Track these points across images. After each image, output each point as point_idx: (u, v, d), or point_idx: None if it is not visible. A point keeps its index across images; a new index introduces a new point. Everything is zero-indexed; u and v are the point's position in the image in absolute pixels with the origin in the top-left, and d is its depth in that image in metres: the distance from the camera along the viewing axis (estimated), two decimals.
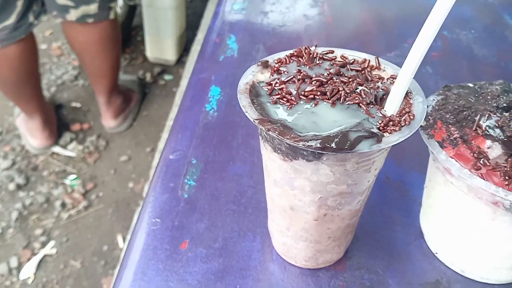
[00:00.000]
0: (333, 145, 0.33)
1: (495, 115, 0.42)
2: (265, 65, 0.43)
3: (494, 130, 0.41)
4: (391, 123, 0.37)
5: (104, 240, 1.63)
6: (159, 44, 2.32)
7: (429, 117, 0.45)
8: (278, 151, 0.38)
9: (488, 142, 0.41)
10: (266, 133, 0.37)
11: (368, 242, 0.51)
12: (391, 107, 0.39)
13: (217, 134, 0.63)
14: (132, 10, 2.52)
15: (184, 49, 2.46)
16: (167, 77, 2.37)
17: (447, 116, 0.44)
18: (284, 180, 0.40)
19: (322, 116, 0.37)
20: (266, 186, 0.44)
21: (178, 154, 0.59)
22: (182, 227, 0.50)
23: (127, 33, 2.56)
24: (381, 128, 0.36)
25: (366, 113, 0.37)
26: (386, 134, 0.36)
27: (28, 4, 1.49)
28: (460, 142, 0.42)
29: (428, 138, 0.43)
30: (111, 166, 1.91)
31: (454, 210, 0.45)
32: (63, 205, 1.73)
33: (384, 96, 0.40)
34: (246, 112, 0.37)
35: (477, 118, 0.42)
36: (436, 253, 0.50)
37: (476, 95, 0.46)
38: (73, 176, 1.84)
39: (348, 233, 0.46)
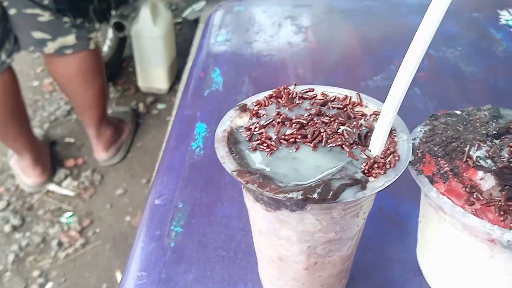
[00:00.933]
0: (315, 195, 0.32)
1: (485, 145, 0.40)
2: (243, 108, 0.41)
3: (485, 160, 0.39)
4: (375, 165, 0.35)
5: (102, 278, 1.60)
6: (151, 74, 2.33)
7: (417, 150, 0.43)
8: (261, 201, 0.36)
9: (480, 173, 0.39)
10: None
11: (365, 282, 0.48)
12: (376, 146, 0.37)
13: (203, 174, 0.61)
14: (122, 42, 2.53)
15: (176, 77, 2.46)
16: (160, 106, 2.36)
17: (436, 148, 0.42)
18: (269, 230, 0.38)
19: (304, 162, 0.35)
20: (253, 235, 0.42)
21: (164, 198, 0.57)
22: (169, 280, 0.48)
23: (118, 65, 2.56)
24: (365, 171, 0.35)
25: (349, 155, 0.36)
26: (371, 179, 0.34)
27: (0, 43, 1.49)
28: (451, 175, 0.40)
29: (418, 174, 0.41)
30: (107, 200, 1.88)
31: (450, 247, 0.43)
32: (60, 244, 1.70)
33: (368, 134, 0.39)
34: (224, 163, 0.35)
35: (466, 149, 0.41)
36: None
37: (464, 122, 0.45)
38: (69, 214, 1.82)
39: (342, 278, 0.44)
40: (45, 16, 1.49)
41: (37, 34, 1.51)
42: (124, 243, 1.71)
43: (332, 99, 0.42)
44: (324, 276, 0.41)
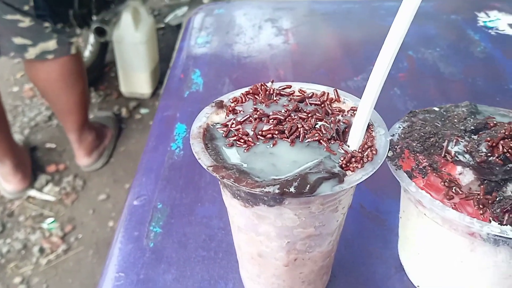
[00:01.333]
0: (292, 189, 0.31)
1: (463, 140, 0.40)
2: (220, 105, 0.41)
3: (463, 155, 0.40)
4: (353, 159, 0.35)
5: (85, 284, 1.57)
6: (133, 79, 2.31)
7: (396, 146, 0.43)
8: (238, 197, 0.36)
9: (459, 168, 0.39)
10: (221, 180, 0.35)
11: (347, 280, 0.48)
12: (354, 141, 0.37)
13: (183, 174, 0.61)
14: (104, 47, 2.51)
15: (158, 82, 2.45)
16: (143, 110, 2.35)
17: (414, 144, 0.42)
18: (248, 226, 0.37)
19: (281, 157, 0.35)
20: (232, 232, 0.42)
21: (142, 199, 0.56)
22: (148, 280, 0.47)
23: (100, 70, 2.54)
24: (343, 165, 0.34)
25: (327, 150, 0.36)
26: (348, 172, 0.34)
27: None
28: (429, 170, 0.40)
29: (396, 169, 0.41)
30: (89, 206, 1.86)
31: (430, 242, 0.43)
32: (42, 250, 1.68)
33: (346, 129, 0.38)
34: (199, 159, 0.35)
35: (444, 144, 0.41)
36: (418, 286, 0.47)
37: (443, 119, 0.45)
38: (51, 220, 1.79)
39: (323, 274, 0.43)
40: (26, 22, 1.48)
41: (18, 40, 1.50)
42: (107, 249, 1.68)
43: (309, 95, 0.42)
44: (305, 273, 0.40)
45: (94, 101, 2.39)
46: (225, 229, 0.53)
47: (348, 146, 0.37)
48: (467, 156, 0.39)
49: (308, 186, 0.31)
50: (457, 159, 0.40)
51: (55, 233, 1.74)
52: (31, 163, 1.96)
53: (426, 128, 0.43)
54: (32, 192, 1.89)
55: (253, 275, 0.42)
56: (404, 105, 0.74)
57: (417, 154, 0.42)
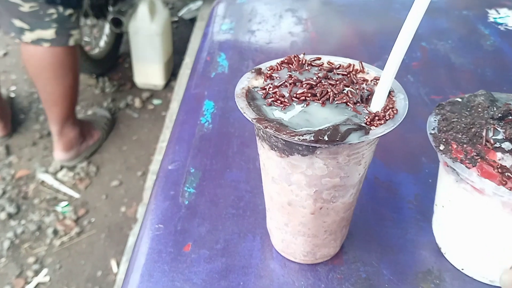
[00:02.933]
0: (325, 137, 0.37)
1: (500, 128, 0.44)
2: (259, 72, 0.46)
3: (504, 143, 0.43)
4: (376, 118, 0.40)
5: (97, 266, 1.62)
6: (147, 70, 2.36)
7: (442, 139, 0.46)
8: (275, 149, 0.41)
9: (499, 155, 0.43)
10: (263, 131, 0.40)
11: (362, 237, 0.53)
12: (376, 105, 0.42)
13: (213, 144, 0.66)
14: (119, 38, 2.56)
15: (172, 74, 2.50)
16: (156, 101, 2.40)
17: (460, 135, 0.45)
18: (281, 176, 0.42)
19: (314, 115, 0.40)
20: (264, 185, 0.47)
21: (176, 164, 0.62)
22: (184, 231, 0.53)
23: (115, 61, 2.60)
24: (368, 123, 0.40)
25: (353, 110, 0.41)
26: (373, 128, 0.39)
27: None
28: (479, 159, 0.43)
29: (453, 162, 0.44)
30: (102, 191, 1.91)
31: (486, 227, 0.46)
32: (55, 232, 1.73)
33: (369, 96, 0.43)
34: (244, 113, 0.40)
35: (484, 134, 0.44)
36: (462, 268, 0.51)
37: (468, 109, 0.49)
38: (65, 203, 1.84)
39: (343, 227, 0.49)
40: (25, 7, 1.51)
41: (17, 23, 1.54)
42: (119, 233, 1.74)
43: (337, 66, 0.47)
44: (328, 222, 0.45)
45: (108, 91, 2.44)
46: (252, 192, 0.58)
47: (372, 109, 0.42)
48: (507, 143, 0.43)
49: (339, 135, 0.37)
50: (498, 146, 0.43)
51: (69, 216, 1.79)
52: (12, 114, 2.13)
53: (463, 119, 0.47)
54: (45, 177, 1.94)
55: (282, 223, 0.47)
56: (417, 90, 0.79)
57: (464, 145, 0.45)
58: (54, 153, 1.95)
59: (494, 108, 0.47)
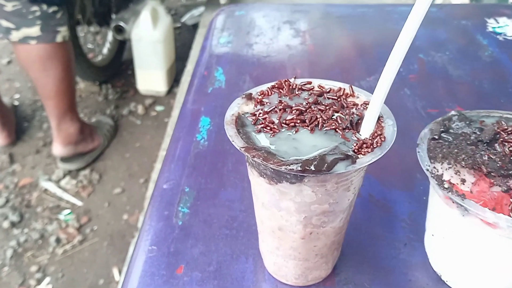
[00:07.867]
0: (312, 167, 0.37)
1: (495, 156, 0.44)
2: (249, 97, 0.46)
3: (494, 168, 0.43)
4: (364, 145, 0.40)
5: (100, 274, 1.63)
6: (150, 77, 2.37)
7: (444, 179, 0.45)
8: (264, 176, 0.41)
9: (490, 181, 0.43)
10: (252, 159, 0.41)
11: (355, 258, 0.53)
12: (366, 130, 0.42)
13: (208, 162, 0.66)
14: (122, 45, 2.58)
15: (174, 80, 2.51)
16: (159, 108, 2.41)
17: (458, 168, 0.45)
18: (271, 202, 0.43)
19: (303, 142, 0.40)
20: (255, 209, 0.47)
21: (171, 183, 0.62)
22: (177, 253, 0.53)
23: (117, 67, 2.61)
24: (356, 150, 0.40)
25: (342, 137, 0.41)
26: (360, 156, 0.39)
27: None
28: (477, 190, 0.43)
29: (462, 200, 0.43)
30: (105, 199, 1.92)
31: (496, 258, 0.45)
32: (58, 240, 1.74)
33: (359, 121, 0.44)
34: (233, 141, 0.40)
35: (480, 161, 0.44)
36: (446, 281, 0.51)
37: (452, 137, 0.48)
38: (67, 211, 1.85)
39: (334, 250, 0.49)
40: (8, 7, 1.54)
41: (4, 23, 1.58)
42: (121, 241, 1.75)
43: (327, 90, 0.47)
44: (319, 246, 0.46)
45: (111, 98, 2.46)
46: (246, 211, 0.59)
47: (361, 135, 0.42)
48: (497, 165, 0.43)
49: (326, 165, 0.37)
50: (491, 171, 0.43)
51: (71, 224, 1.80)
52: (16, 122, 2.18)
53: (452, 149, 0.46)
54: (48, 185, 1.95)
55: (273, 247, 0.47)
56: (414, 104, 0.79)
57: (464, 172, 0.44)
58: (53, 147, 1.97)
59: (476, 133, 0.46)
